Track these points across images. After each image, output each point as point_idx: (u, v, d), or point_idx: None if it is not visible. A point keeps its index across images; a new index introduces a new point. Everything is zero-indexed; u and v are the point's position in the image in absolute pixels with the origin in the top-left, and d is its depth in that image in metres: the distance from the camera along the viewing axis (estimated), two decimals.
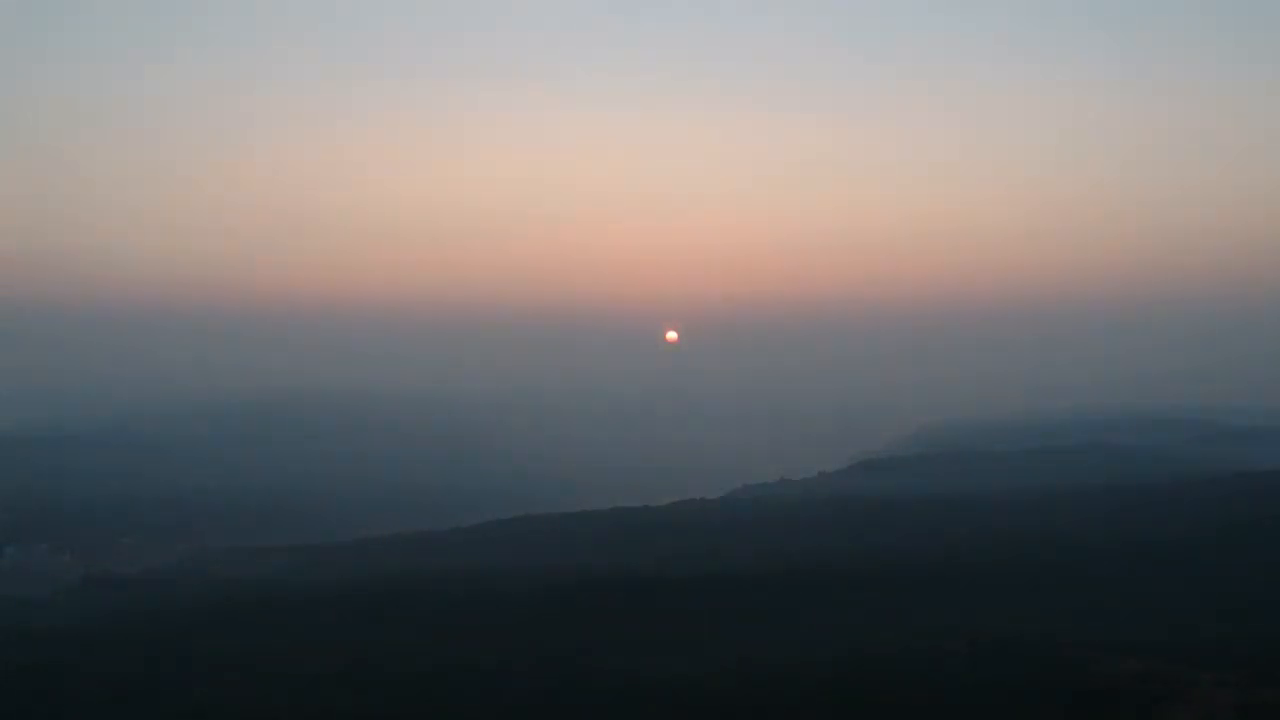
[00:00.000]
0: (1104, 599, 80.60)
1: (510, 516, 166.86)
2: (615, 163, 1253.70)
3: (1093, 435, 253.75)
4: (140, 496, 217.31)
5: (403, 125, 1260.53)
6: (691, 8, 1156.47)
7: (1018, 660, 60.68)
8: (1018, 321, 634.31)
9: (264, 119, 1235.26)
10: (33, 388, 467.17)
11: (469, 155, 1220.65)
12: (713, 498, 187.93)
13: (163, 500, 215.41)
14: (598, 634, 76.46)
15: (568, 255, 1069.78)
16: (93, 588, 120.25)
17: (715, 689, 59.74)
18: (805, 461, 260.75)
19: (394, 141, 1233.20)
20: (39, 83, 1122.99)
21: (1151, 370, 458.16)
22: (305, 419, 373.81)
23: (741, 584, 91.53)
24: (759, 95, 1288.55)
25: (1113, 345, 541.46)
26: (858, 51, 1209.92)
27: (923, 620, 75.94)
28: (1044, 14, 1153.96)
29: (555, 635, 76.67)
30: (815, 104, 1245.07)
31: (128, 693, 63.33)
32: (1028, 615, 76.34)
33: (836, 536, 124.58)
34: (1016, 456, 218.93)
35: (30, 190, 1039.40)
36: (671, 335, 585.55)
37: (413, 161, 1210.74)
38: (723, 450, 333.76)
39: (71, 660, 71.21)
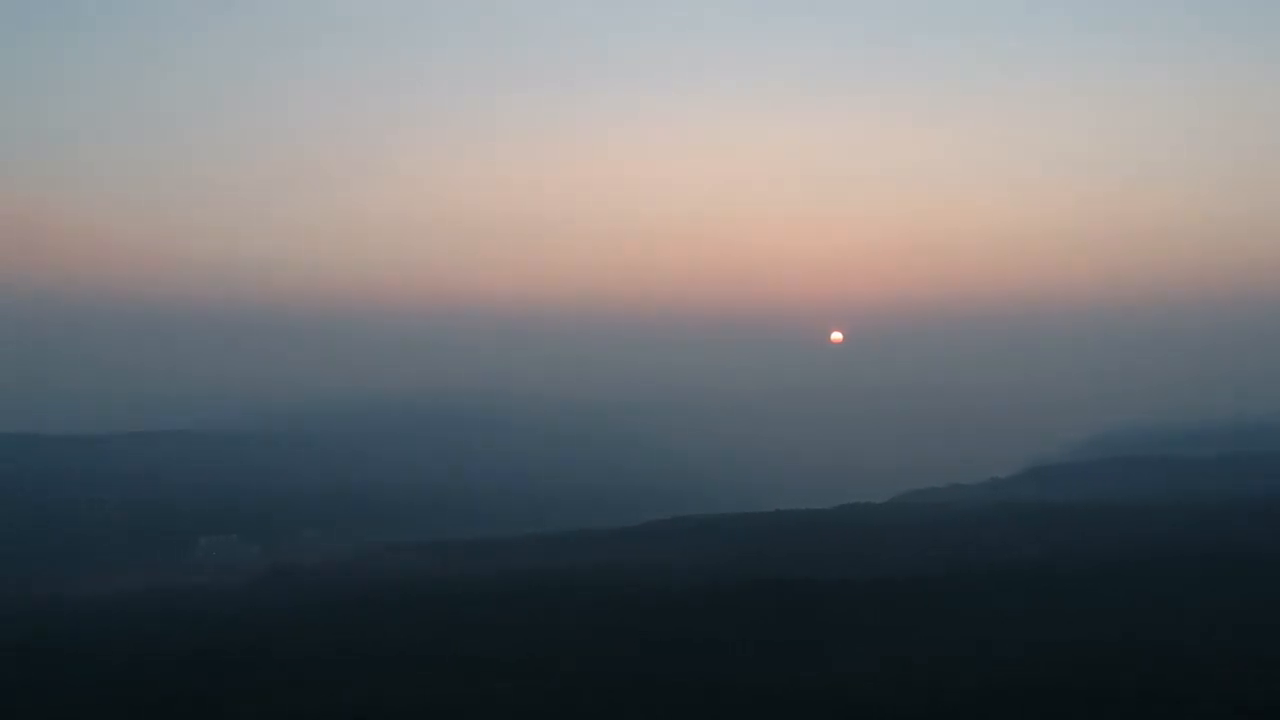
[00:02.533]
0: None
1: (671, 516, 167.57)
2: (780, 162, 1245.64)
3: None
4: (317, 491, 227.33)
5: (564, 128, 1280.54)
6: (859, 6, 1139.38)
7: (1177, 668, 58.01)
8: (1206, 318, 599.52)
9: (430, 122, 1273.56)
10: (218, 389, 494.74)
11: (631, 158, 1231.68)
12: (879, 502, 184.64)
13: (337, 495, 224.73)
14: (756, 636, 75.98)
15: (731, 256, 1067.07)
16: (279, 577, 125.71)
17: (870, 694, 58.68)
18: (975, 466, 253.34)
19: (554, 144, 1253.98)
20: (220, 94, 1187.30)
21: None
22: (470, 418, 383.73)
23: (905, 589, 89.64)
24: (924, 93, 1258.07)
25: None
26: (1024, 47, 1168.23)
27: (1097, 629, 72.92)
28: None
29: (711, 635, 76.49)
30: (981, 102, 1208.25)
31: (309, 679, 65.89)
32: (1193, 624, 72.73)
33: (1008, 544, 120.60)
34: (1204, 463, 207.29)
35: (205, 197, 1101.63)
36: (836, 336, 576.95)
37: (573, 164, 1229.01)
38: (888, 453, 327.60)
39: (262, 645, 74.66)
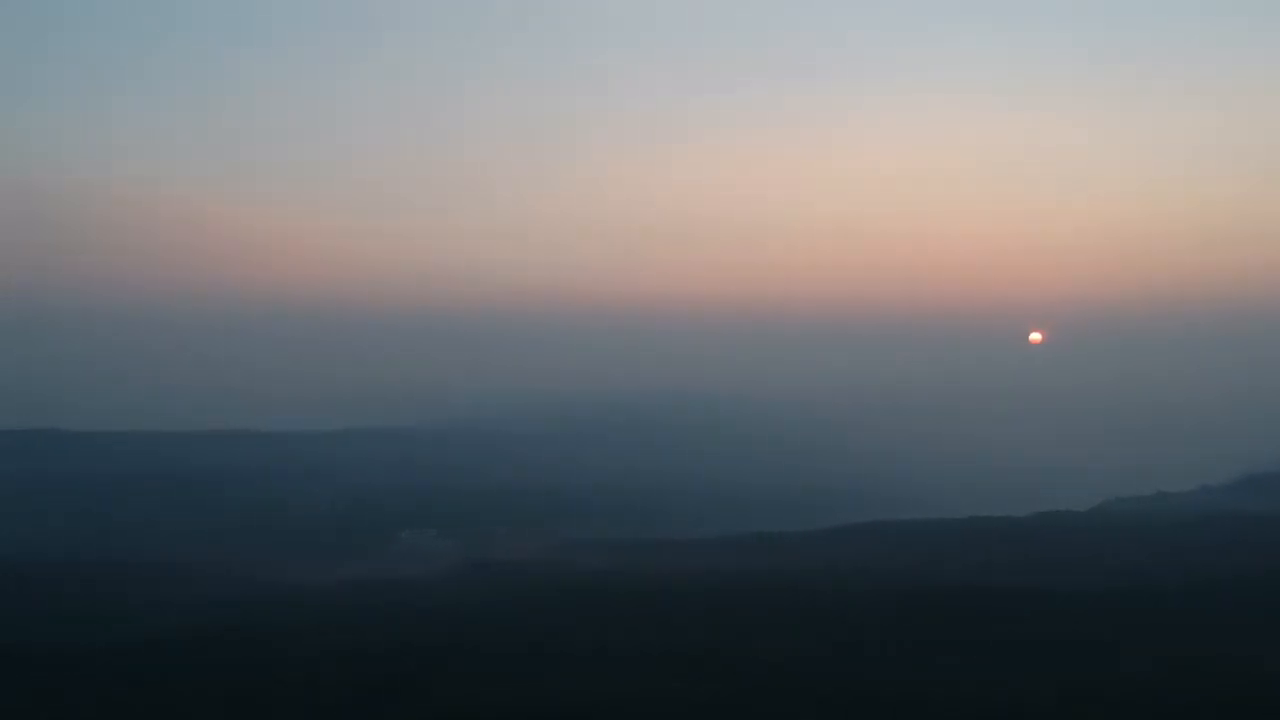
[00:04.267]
0: None
1: (860, 521, 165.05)
2: (981, 159, 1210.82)
3: None
4: (510, 489, 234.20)
5: (750, 127, 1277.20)
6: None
7: None
8: None
9: (607, 122, 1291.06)
10: (418, 389, 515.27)
11: (821, 156, 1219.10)
12: (1080, 509, 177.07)
13: (530, 493, 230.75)
14: (943, 644, 74.02)
15: (929, 254, 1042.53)
16: (474, 572, 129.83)
17: (1061, 711, 56.34)
18: (1184, 473, 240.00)
19: (738, 143, 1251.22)
20: (399, 97, 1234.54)
21: None
22: (657, 419, 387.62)
23: (1109, 601, 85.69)
24: (1120, 89, 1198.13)
25: None
26: (1231, 43, 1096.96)
27: None
28: None
29: (896, 641, 74.92)
30: (1184, 100, 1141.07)
31: (500, 673, 67.77)
32: None
33: (1220, 556, 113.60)
34: None
35: (391, 200, 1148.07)
36: (1036, 336, 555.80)
37: (759, 163, 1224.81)
38: (1090, 459, 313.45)
39: (455, 638, 77.26)
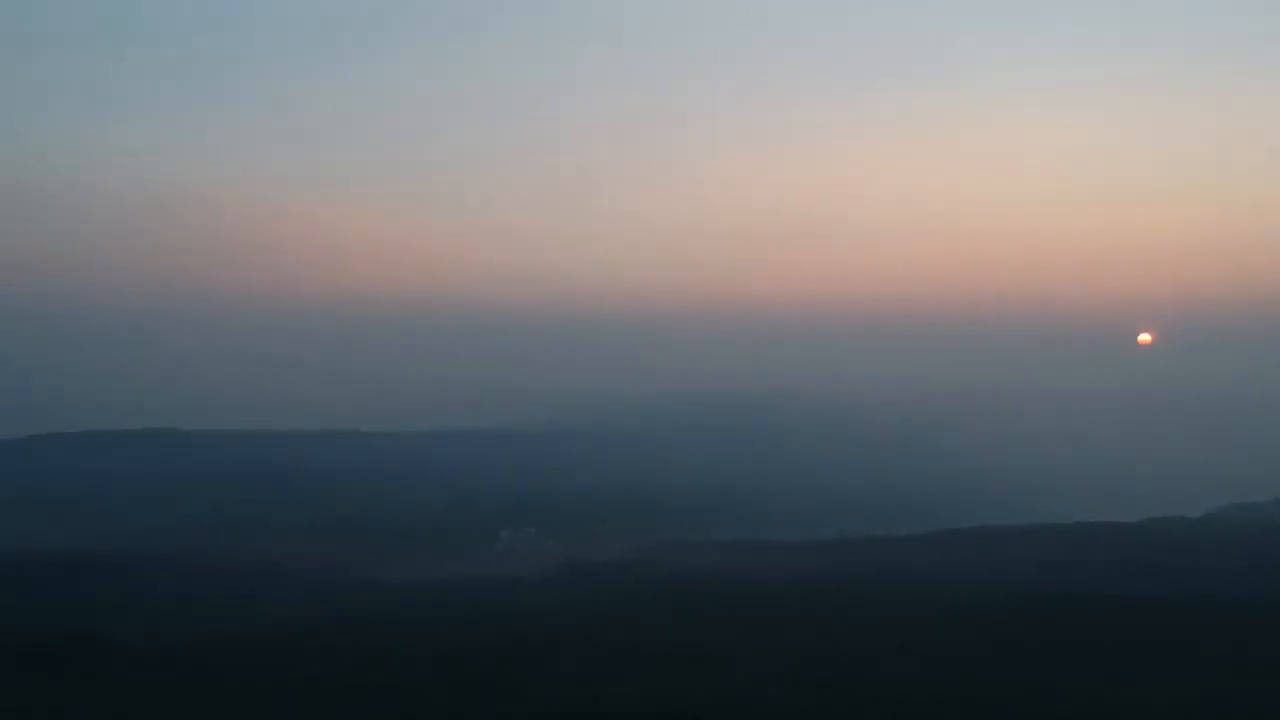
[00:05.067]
0: None
1: (966, 525, 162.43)
2: (1087, 160, 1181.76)
3: None
4: (611, 489, 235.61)
5: (859, 128, 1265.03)
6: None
7: None
8: None
9: (723, 124, 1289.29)
10: (520, 390, 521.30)
11: (925, 156, 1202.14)
12: (1192, 516, 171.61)
13: (630, 493, 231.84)
14: (1044, 651, 72.60)
15: (1036, 253, 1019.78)
16: (572, 572, 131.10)
17: None
18: None
19: (845, 144, 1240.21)
20: (533, 99, 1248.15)
21: None
22: (762, 420, 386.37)
23: (1222, 611, 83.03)
24: (1234, 83, 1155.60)
25: None
26: None
27: None
28: None
29: (999, 649, 73.72)
30: None
31: (596, 673, 68.48)
32: None
33: None
34: None
35: (513, 204, 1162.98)
36: (1145, 337, 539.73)
37: (867, 163, 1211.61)
38: (1203, 463, 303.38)
39: (553, 637, 78.37)
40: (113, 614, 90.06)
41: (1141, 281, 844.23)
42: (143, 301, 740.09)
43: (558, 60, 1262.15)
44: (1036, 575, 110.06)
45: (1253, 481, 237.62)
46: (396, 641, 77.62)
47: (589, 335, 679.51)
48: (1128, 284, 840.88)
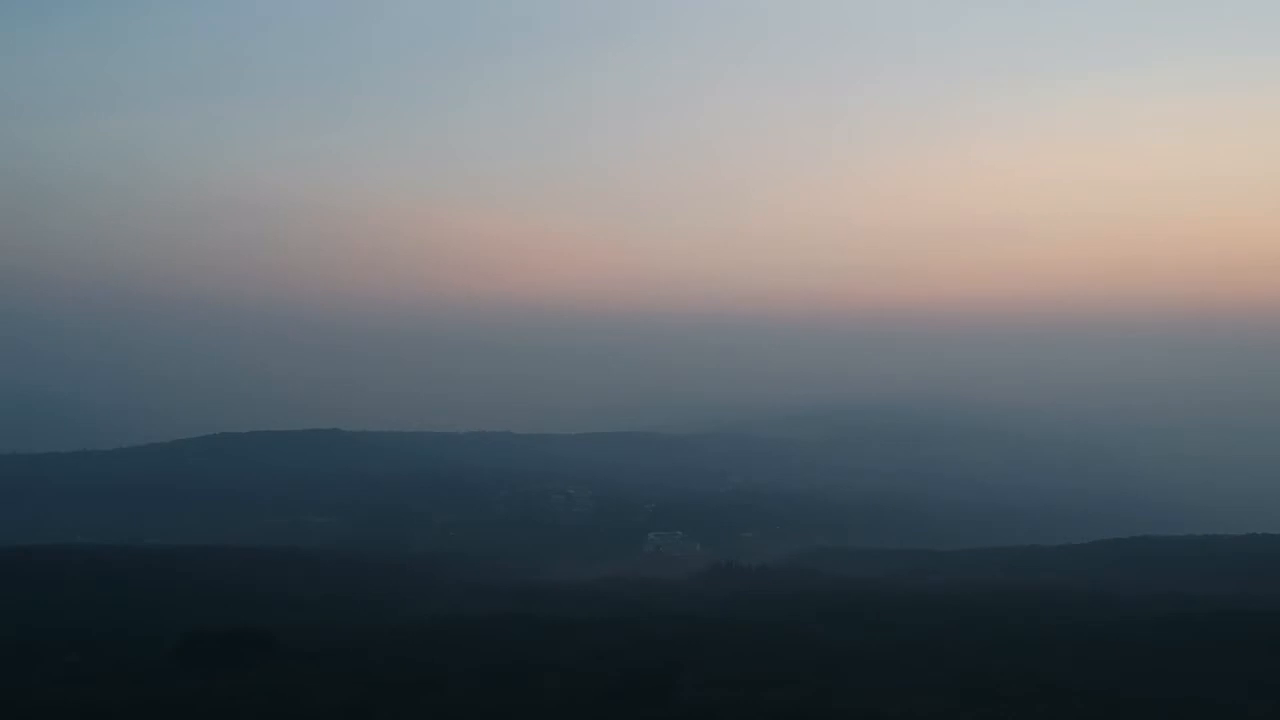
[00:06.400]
0: None
1: (1129, 536, 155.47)
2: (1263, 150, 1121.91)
3: None
4: (759, 493, 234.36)
5: (1017, 127, 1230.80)
6: None
7: None
8: None
9: (882, 124, 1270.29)
10: (671, 392, 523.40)
11: (1093, 156, 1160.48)
12: None
13: (775, 497, 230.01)
14: (1216, 676, 68.38)
15: (1214, 251, 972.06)
16: (720, 575, 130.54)
17: None
18: None
19: (1006, 144, 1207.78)
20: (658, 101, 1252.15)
21: None
22: (920, 425, 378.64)
23: None
24: None
25: None
26: None
27: None
28: None
29: (1197, 669, 69.80)
30: None
31: (738, 678, 67.77)
32: None
33: None
34: None
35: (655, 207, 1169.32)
36: None
37: (1033, 164, 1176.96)
38: None
39: (697, 641, 77.87)
40: (279, 608, 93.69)
41: None
42: (308, 308, 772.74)
43: (729, 60, 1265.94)
44: (1208, 588, 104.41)
45: None
46: (547, 638, 78.39)
47: (746, 339, 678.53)
48: None
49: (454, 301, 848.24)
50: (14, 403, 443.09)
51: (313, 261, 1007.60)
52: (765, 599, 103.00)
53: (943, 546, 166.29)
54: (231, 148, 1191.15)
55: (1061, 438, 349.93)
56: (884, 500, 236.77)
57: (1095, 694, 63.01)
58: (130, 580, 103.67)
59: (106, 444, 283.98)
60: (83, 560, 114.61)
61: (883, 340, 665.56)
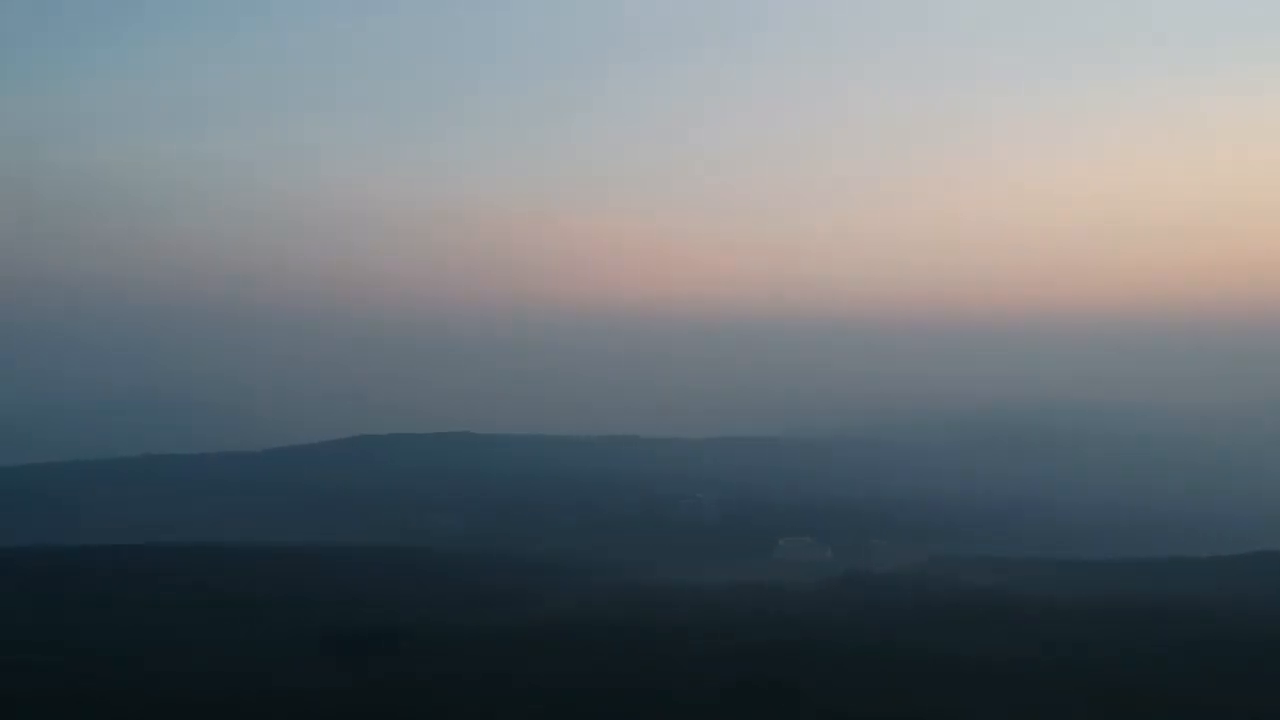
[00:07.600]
0: None
1: (1258, 550, 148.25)
2: None
3: None
4: (889, 500, 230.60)
5: (1144, 125, 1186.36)
6: None
7: None
8: None
9: (989, 128, 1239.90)
10: (800, 397, 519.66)
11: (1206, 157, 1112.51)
12: None
13: (906, 504, 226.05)
14: None
15: None
16: (848, 582, 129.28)
17: None
18: None
19: (1125, 144, 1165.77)
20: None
21: None
22: (1048, 432, 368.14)
23: None
24: None
25: None
26: None
27: None
28: None
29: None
30: None
31: (864, 686, 67.06)
32: None
33: None
34: None
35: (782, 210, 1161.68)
36: None
37: (1155, 164, 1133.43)
38: None
39: (824, 648, 77.47)
40: (410, 606, 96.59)
41: None
42: (443, 314, 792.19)
43: (827, 61, 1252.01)
44: None
45: None
46: (673, 640, 79.01)
47: (875, 343, 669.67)
48: None
49: (585, 307, 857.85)
50: (176, 401, 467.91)
51: (442, 268, 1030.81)
52: (895, 607, 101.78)
53: (1081, 556, 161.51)
54: (383, 160, 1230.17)
55: (1201, 448, 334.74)
56: (1018, 507, 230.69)
57: (1238, 715, 60.76)
58: (277, 578, 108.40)
59: (255, 446, 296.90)
60: (233, 559, 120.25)
61: (1016, 344, 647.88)
